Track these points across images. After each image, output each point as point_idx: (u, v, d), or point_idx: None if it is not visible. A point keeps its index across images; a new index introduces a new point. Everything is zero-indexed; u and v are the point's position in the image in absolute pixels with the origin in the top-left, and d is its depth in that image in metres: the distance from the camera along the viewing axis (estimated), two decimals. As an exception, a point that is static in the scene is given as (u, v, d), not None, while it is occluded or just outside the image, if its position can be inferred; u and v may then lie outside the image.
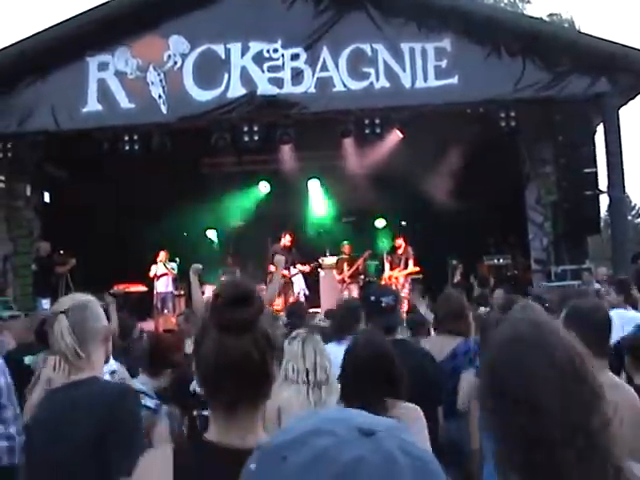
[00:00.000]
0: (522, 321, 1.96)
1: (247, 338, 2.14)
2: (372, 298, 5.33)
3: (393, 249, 19.12)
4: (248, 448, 1.35)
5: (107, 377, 6.22)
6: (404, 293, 17.51)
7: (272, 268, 17.59)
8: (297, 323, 8.05)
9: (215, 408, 2.21)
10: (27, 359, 8.09)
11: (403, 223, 19.99)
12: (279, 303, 17.61)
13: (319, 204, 22.27)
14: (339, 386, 4.65)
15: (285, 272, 18.18)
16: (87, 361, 3.51)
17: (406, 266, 18.56)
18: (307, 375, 5.02)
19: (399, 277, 18.42)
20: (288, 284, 18.27)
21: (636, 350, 5.29)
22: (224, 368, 2.13)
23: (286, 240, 18.86)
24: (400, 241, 18.93)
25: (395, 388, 4.25)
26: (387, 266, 18.95)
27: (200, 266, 9.25)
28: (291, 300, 17.74)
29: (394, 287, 17.82)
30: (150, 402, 5.34)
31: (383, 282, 18.37)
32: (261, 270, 19.48)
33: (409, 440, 1.16)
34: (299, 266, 18.85)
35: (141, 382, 5.71)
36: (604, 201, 17.73)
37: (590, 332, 3.99)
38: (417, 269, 18.62)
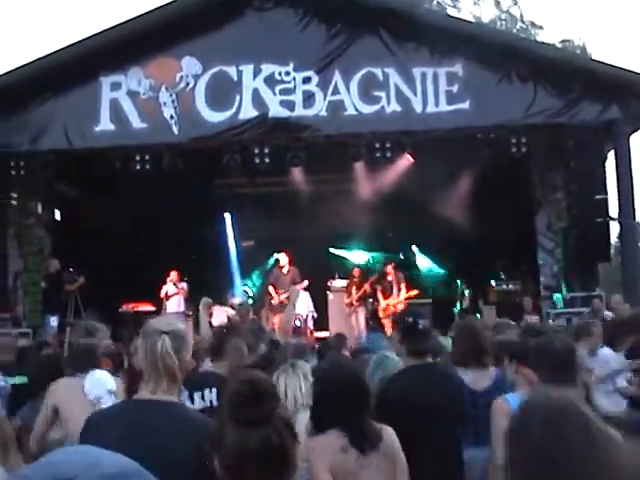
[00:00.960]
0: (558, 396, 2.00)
1: (267, 428, 2.15)
2: (410, 320, 5.30)
3: (383, 276, 19.03)
4: None
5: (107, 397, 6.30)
6: None
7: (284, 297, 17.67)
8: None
9: None
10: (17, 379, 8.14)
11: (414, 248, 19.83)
12: (275, 323, 17.61)
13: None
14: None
15: (273, 293, 18.24)
16: (175, 385, 3.53)
17: (399, 292, 18.51)
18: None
19: (397, 305, 18.35)
20: (281, 306, 18.24)
21: None
22: (246, 457, 2.12)
23: (282, 261, 18.83)
24: (389, 268, 18.90)
25: (369, 410, 4.31)
26: (380, 295, 18.85)
27: (210, 300, 9.33)
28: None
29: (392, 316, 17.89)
30: None
31: (381, 313, 18.38)
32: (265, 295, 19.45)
33: None
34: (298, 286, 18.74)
35: None
36: (615, 228, 17.72)
37: (550, 366, 4.01)
38: (415, 292, 18.59)
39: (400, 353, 5.44)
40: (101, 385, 6.27)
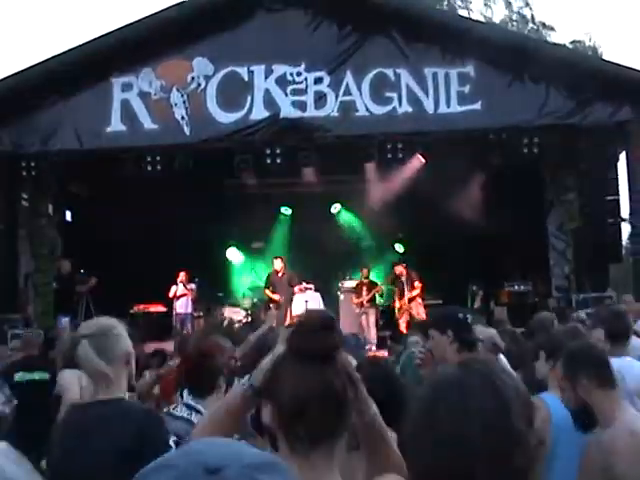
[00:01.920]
0: (454, 366, 1.94)
1: (328, 370, 2.11)
2: (460, 315, 5.45)
3: (397, 277, 18.98)
4: None
5: None
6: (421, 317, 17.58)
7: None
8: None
9: (290, 443, 2.10)
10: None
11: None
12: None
13: (344, 224, 22.21)
14: None
15: (275, 297, 18.31)
16: (113, 382, 3.66)
17: (413, 288, 18.48)
18: None
19: (410, 302, 18.35)
20: (280, 308, 18.28)
21: None
22: (304, 400, 2.07)
23: (277, 266, 18.86)
24: (400, 268, 18.85)
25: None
26: (396, 298, 18.81)
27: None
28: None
29: (408, 315, 17.90)
30: None
31: (397, 312, 18.37)
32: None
33: None
34: (298, 288, 18.73)
35: None
36: (626, 229, 17.68)
37: (589, 370, 3.98)
38: (419, 286, 18.54)
39: (448, 354, 5.41)
40: None
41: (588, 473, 3.76)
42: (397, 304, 18.64)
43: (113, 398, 3.66)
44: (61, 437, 3.66)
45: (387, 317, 18.99)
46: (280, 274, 18.72)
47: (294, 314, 18.00)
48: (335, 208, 21.86)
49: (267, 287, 18.85)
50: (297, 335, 2.18)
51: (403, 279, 18.66)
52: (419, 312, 18.10)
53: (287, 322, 17.65)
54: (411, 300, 18.32)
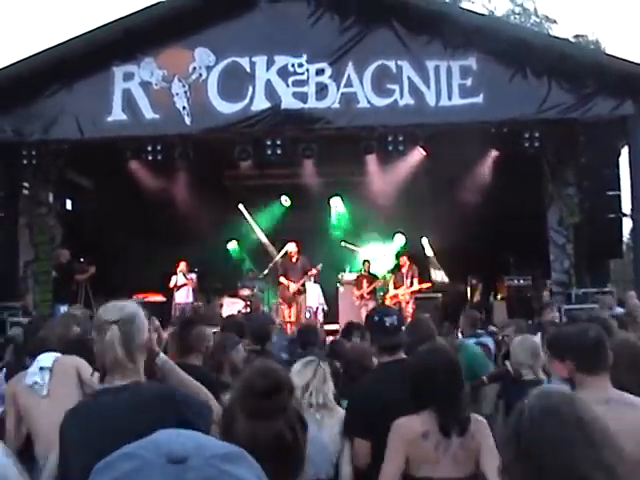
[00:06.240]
0: (554, 394, 2.03)
1: (279, 421, 2.12)
2: (376, 318, 5.38)
3: (397, 268, 19.05)
4: None
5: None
6: (409, 311, 17.62)
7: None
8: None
9: None
10: None
11: (424, 239, 19.87)
12: (290, 314, 17.72)
13: (341, 219, 22.20)
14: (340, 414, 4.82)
15: (286, 282, 18.29)
16: (134, 369, 3.59)
17: (411, 284, 18.51)
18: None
19: (405, 295, 18.40)
20: (296, 295, 18.26)
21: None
22: (256, 450, 2.10)
23: (292, 250, 18.80)
24: (404, 259, 18.90)
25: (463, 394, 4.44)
26: (391, 285, 18.86)
27: None
28: (302, 313, 17.88)
29: (399, 306, 17.89)
30: None
31: (388, 301, 18.37)
32: (275, 286, 19.50)
33: (232, 471, 1.17)
34: (310, 273, 18.60)
35: None
36: (627, 224, 17.64)
37: (580, 353, 3.97)
38: (428, 285, 18.58)
39: (375, 353, 5.59)
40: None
41: None
42: (391, 292, 18.68)
43: (132, 382, 3.57)
44: (88, 423, 3.45)
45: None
46: (294, 259, 18.68)
47: (307, 304, 18.10)
48: (336, 201, 21.79)
49: (280, 274, 18.84)
50: (245, 397, 2.19)
51: (404, 270, 18.71)
52: (407, 308, 18.17)
53: (298, 314, 17.79)
54: (410, 294, 18.36)
